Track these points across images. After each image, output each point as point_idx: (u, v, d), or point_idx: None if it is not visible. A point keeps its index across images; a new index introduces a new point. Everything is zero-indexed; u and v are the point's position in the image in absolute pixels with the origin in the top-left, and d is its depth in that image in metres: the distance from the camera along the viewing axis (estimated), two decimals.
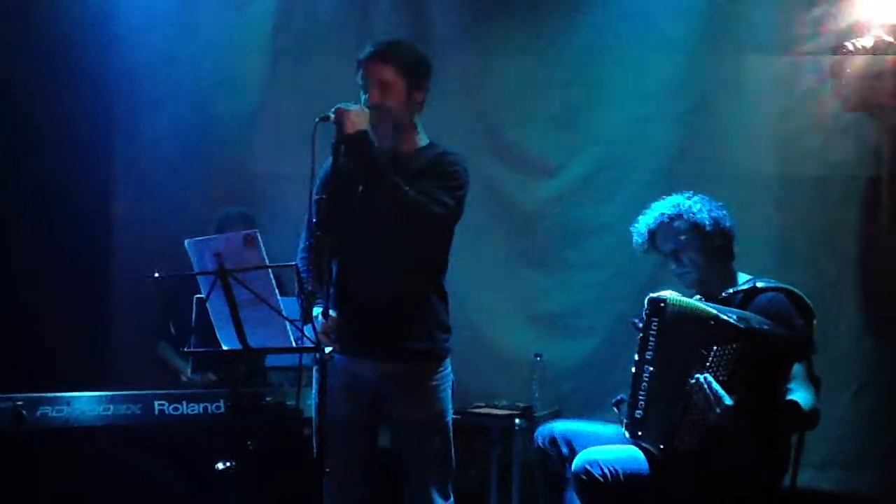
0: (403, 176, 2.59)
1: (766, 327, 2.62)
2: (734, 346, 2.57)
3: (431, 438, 2.72)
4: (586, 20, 4.25)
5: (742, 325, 2.58)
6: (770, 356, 2.63)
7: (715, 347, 2.59)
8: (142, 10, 4.62)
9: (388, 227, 2.62)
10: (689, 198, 2.98)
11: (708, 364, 2.59)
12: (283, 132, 4.66)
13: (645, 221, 3.00)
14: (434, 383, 2.71)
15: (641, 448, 2.81)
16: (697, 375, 2.58)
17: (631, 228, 3.05)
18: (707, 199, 2.99)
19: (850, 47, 3.61)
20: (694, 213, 2.92)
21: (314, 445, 2.61)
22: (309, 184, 2.57)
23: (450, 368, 2.76)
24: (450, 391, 2.77)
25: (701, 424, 2.62)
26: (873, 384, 3.67)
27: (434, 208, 2.58)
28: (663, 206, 2.98)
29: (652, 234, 2.98)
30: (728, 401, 2.53)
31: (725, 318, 2.60)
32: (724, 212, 2.97)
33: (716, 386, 2.55)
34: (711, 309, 2.68)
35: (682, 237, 2.92)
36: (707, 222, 2.90)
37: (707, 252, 2.92)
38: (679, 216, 2.93)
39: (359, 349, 2.68)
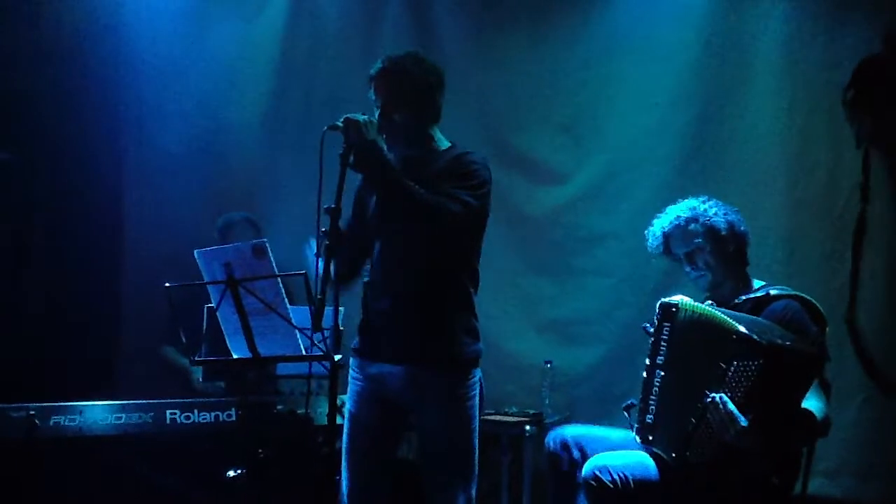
0: (421, 180, 2.58)
1: (788, 343, 2.58)
2: (757, 362, 2.54)
3: (456, 447, 2.68)
4: (592, 29, 4.27)
5: (765, 342, 2.53)
6: (791, 373, 2.60)
7: (735, 362, 2.56)
8: (152, 22, 4.67)
9: (408, 233, 2.62)
10: (704, 201, 2.98)
11: (727, 378, 2.57)
12: (290, 141, 4.70)
13: (660, 224, 3.00)
14: (461, 391, 2.67)
15: (652, 454, 2.81)
16: (713, 395, 2.56)
17: (646, 231, 3.05)
18: (722, 203, 2.99)
19: None
20: (709, 217, 2.92)
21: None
22: (318, 191, 2.57)
23: (479, 376, 2.73)
24: (477, 399, 2.72)
25: (715, 438, 2.60)
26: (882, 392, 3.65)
27: (452, 207, 2.56)
28: (678, 209, 2.98)
29: (666, 236, 2.99)
30: (743, 422, 2.51)
31: (747, 332, 2.56)
32: (739, 216, 2.97)
33: (731, 406, 2.53)
34: (731, 320, 2.65)
35: (697, 240, 2.92)
36: (722, 226, 2.91)
37: (721, 256, 2.92)
38: (694, 219, 2.93)
39: (386, 355, 2.67)
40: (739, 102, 3.98)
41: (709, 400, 2.57)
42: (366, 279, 2.74)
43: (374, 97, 2.70)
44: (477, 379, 2.72)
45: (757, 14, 3.94)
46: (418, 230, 2.61)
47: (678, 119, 4.08)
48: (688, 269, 2.98)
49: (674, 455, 2.72)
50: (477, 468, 2.73)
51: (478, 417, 2.72)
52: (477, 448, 2.72)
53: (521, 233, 4.38)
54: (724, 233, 2.90)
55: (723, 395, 2.56)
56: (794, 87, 3.87)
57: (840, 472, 3.64)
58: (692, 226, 2.93)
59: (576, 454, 2.92)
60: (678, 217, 2.96)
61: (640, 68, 4.18)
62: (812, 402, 2.70)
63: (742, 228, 2.96)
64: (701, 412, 2.61)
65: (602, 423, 3.22)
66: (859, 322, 3.53)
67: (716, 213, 2.93)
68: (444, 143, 2.76)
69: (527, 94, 4.39)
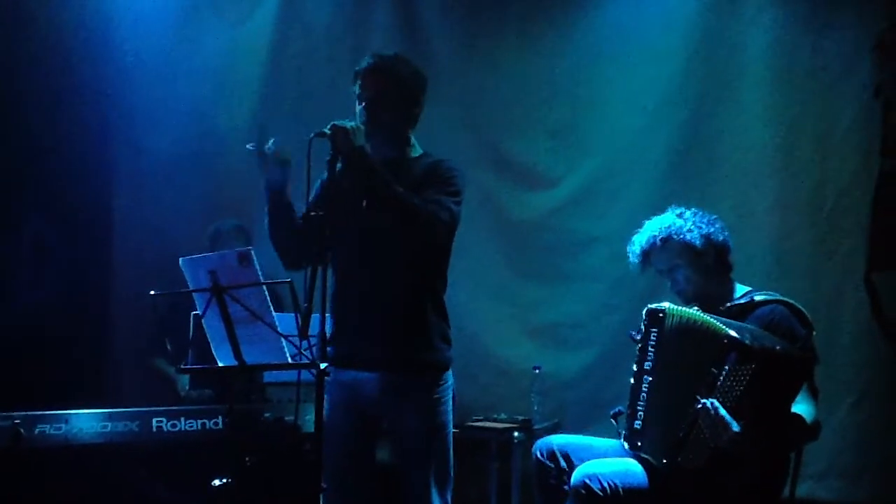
0: (402, 186, 2.58)
1: (778, 347, 2.59)
2: (749, 367, 2.54)
3: (432, 451, 2.70)
4: (581, 34, 4.28)
5: (757, 346, 2.54)
6: (783, 378, 2.60)
7: (727, 367, 2.56)
8: (142, 25, 4.65)
9: (393, 239, 2.62)
10: (680, 215, 2.96)
11: (719, 384, 2.57)
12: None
13: (638, 242, 2.99)
14: (436, 395, 2.70)
15: (641, 461, 2.80)
16: (704, 400, 2.56)
17: (627, 248, 3.04)
18: (699, 213, 2.97)
19: None
20: (684, 234, 2.90)
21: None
22: (305, 198, 2.57)
23: (451, 380, 2.75)
24: (451, 403, 2.75)
25: (707, 443, 2.60)
26: (871, 394, 3.66)
27: (442, 214, 2.58)
28: (654, 227, 2.97)
29: (645, 254, 2.99)
30: (735, 428, 2.52)
31: (739, 336, 2.56)
32: (717, 225, 2.95)
33: (722, 412, 2.53)
34: (721, 324, 2.65)
35: (675, 258, 2.92)
36: (697, 241, 2.89)
37: (701, 269, 2.91)
38: (668, 238, 2.92)
39: (360, 362, 2.67)
40: (728, 106, 3.99)
41: (700, 406, 2.57)
42: (332, 288, 2.72)
43: (359, 91, 2.70)
44: (450, 383, 2.74)
45: (745, 19, 3.96)
46: (403, 235, 2.60)
47: (667, 123, 4.10)
48: (670, 283, 2.98)
49: (664, 461, 2.71)
50: (452, 471, 2.74)
51: (451, 421, 2.74)
52: (452, 451, 2.74)
53: (510, 237, 4.39)
54: (700, 248, 2.89)
55: (714, 400, 2.56)
56: (783, 91, 3.89)
57: (828, 475, 3.66)
58: (668, 244, 2.92)
59: (563, 464, 2.91)
60: (653, 236, 2.95)
61: (629, 73, 4.19)
62: (801, 406, 2.70)
63: (720, 238, 2.93)
64: (692, 418, 2.61)
65: (591, 428, 3.22)
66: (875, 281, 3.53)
67: (690, 230, 2.90)
68: (418, 150, 2.78)
69: (516, 99, 4.40)
